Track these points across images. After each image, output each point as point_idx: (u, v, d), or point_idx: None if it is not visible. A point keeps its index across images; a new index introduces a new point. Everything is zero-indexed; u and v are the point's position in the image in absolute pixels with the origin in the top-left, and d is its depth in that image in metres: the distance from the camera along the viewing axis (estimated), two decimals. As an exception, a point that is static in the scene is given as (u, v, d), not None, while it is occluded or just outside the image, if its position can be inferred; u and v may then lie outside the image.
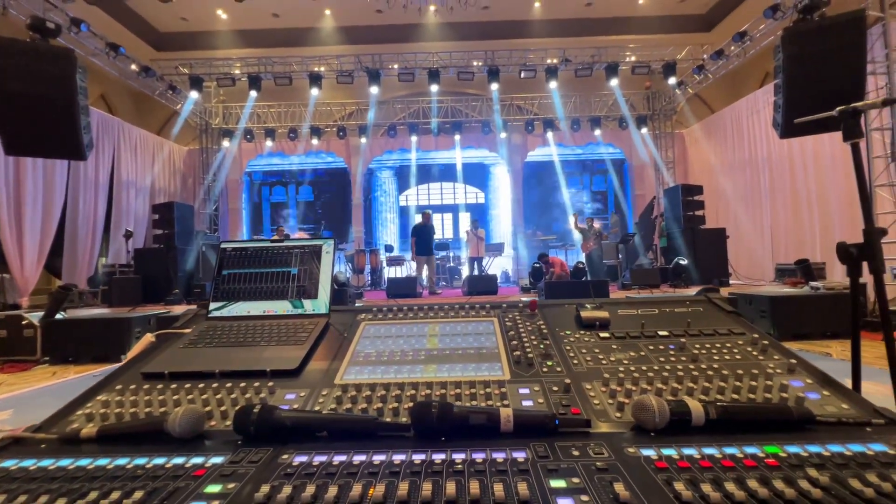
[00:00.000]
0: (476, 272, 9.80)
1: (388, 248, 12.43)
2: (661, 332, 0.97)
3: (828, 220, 8.81)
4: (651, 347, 0.92)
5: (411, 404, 0.72)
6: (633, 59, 11.09)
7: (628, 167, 14.03)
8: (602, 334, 0.98)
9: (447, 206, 15.34)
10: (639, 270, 8.11)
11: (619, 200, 14.25)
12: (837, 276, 8.53)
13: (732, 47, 9.87)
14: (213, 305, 1.12)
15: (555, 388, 0.78)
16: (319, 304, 1.12)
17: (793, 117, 6.59)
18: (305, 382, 0.84)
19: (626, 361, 0.86)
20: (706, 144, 12.37)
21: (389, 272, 11.82)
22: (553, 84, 10.90)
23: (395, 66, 11.06)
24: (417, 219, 9.44)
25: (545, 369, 0.85)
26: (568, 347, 0.93)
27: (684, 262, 7.95)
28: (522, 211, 13.53)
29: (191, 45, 13.23)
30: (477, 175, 15.25)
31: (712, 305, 1.09)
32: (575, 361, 0.88)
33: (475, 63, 11.11)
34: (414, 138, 13.24)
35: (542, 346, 0.93)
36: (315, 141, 13.10)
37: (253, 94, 11.07)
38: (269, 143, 13.16)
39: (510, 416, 0.65)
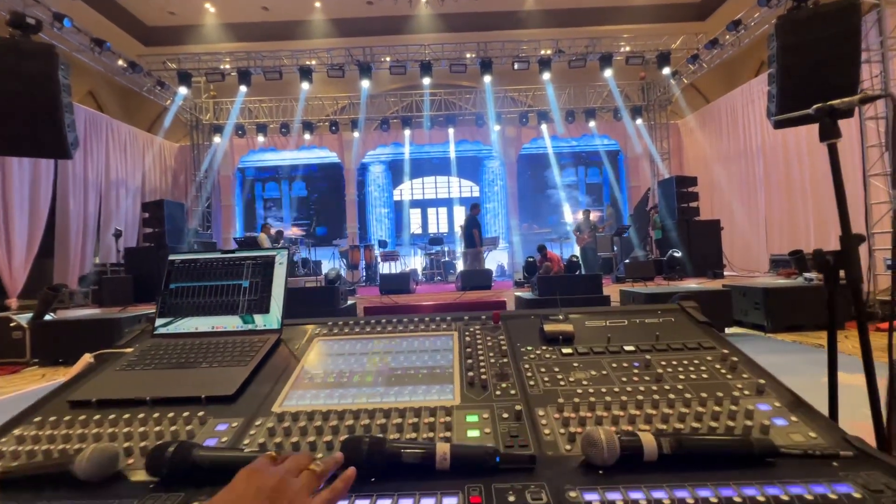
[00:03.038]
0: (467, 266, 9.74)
1: (382, 244, 12.36)
2: (626, 347, 0.92)
3: (822, 210, 8.78)
4: (614, 365, 0.87)
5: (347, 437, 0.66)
6: (627, 49, 10.97)
7: (623, 159, 13.95)
8: (565, 350, 0.93)
9: (441, 200, 15.26)
10: (633, 263, 8.07)
11: (614, 192, 14.19)
12: (832, 266, 8.53)
13: (727, 36, 9.77)
14: (159, 322, 1.06)
15: (505, 416, 0.73)
16: (271, 318, 1.06)
17: (787, 107, 6.53)
18: (241, 410, 0.79)
19: (585, 382, 0.81)
20: (701, 135, 12.30)
21: (383, 268, 11.76)
22: (546, 75, 10.79)
23: (387, 60, 10.91)
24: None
25: (498, 392, 0.80)
26: (527, 366, 0.88)
27: (679, 254, 7.91)
28: (517, 204, 13.45)
29: (179, 39, 13.04)
30: (471, 168, 15.15)
31: (685, 315, 1.04)
32: (532, 382, 0.82)
33: (468, 55, 10.97)
34: (407, 132, 13.12)
35: (499, 365, 0.87)
36: (307, 136, 12.96)
37: (243, 88, 10.92)
38: (260, 138, 13.02)
39: (447, 454, 0.59)
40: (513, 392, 0.79)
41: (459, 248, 11.49)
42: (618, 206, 13.96)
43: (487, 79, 10.94)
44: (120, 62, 9.93)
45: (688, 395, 0.74)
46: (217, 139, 12.97)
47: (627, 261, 9.37)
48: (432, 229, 15.09)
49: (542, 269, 8.45)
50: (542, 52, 10.92)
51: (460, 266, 10.86)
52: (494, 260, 12.78)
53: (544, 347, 0.94)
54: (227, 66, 11.12)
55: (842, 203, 1.06)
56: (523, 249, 12.28)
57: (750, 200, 10.56)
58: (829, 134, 1.03)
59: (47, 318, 6.65)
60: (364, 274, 11.56)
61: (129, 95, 12.63)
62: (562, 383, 0.81)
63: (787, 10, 6.93)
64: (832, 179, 1.07)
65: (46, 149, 6.88)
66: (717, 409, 0.70)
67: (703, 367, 0.84)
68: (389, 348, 0.97)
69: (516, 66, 10.81)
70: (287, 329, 1.08)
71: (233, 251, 1.12)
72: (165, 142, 13.08)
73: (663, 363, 0.85)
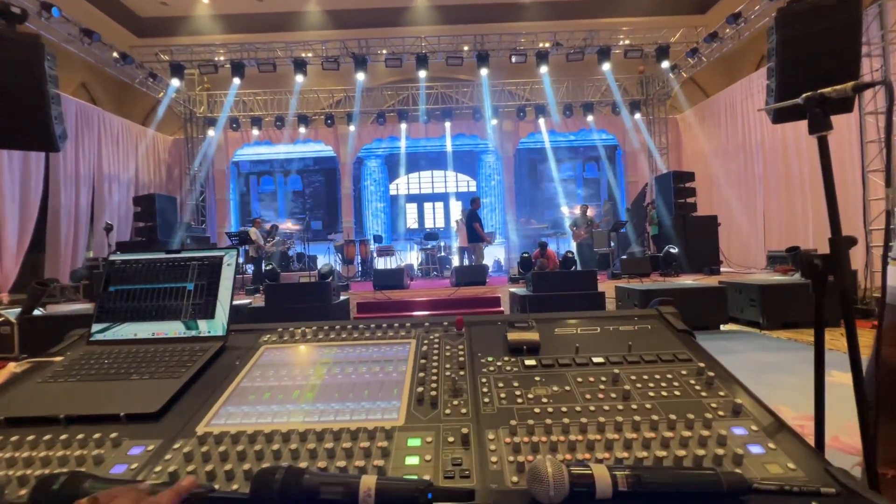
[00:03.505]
0: (466, 262, 9.67)
1: (378, 239, 12.27)
2: (595, 359, 0.84)
3: (821, 206, 8.68)
4: (579, 379, 0.79)
5: (275, 464, 0.59)
6: (625, 42, 10.83)
7: (621, 154, 13.84)
8: (528, 361, 0.85)
9: (438, 194, 15.15)
10: (629, 259, 8.00)
11: (611, 188, 14.09)
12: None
13: (727, 30, 9.63)
14: (95, 327, 0.98)
15: (451, 439, 0.65)
16: (216, 324, 0.98)
17: (786, 101, 6.44)
18: (164, 430, 0.71)
19: (545, 399, 0.73)
20: (700, 130, 12.18)
21: (379, 263, 11.68)
22: (544, 69, 10.65)
23: (383, 52, 10.77)
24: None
25: (448, 411, 0.72)
26: (484, 379, 0.80)
27: (675, 250, 7.84)
28: (514, 199, 13.35)
29: (172, 30, 12.85)
30: (467, 163, 15.03)
31: (663, 322, 0.96)
32: (486, 399, 0.74)
33: (464, 48, 10.83)
34: (403, 126, 12.98)
35: (454, 378, 0.79)
36: (302, 129, 12.83)
37: (236, 81, 10.78)
38: (255, 131, 12.89)
39: (371, 490, 0.51)
40: (464, 411, 0.72)
41: (455, 244, 11.41)
42: (615, 202, 13.87)
43: (484, 72, 10.81)
44: (113, 54, 9.78)
45: (655, 417, 0.66)
46: (211, 132, 12.83)
47: (624, 257, 9.29)
48: (428, 224, 15.00)
49: (538, 264, 8.38)
50: (540, 45, 10.78)
51: (456, 261, 10.79)
52: (491, 255, 12.70)
53: (506, 358, 0.86)
54: (221, 58, 10.96)
55: (832, 201, 0.99)
56: (520, 245, 12.20)
57: (748, 196, 10.47)
58: (819, 126, 0.95)
59: (36, 312, 6.57)
60: (359, 269, 11.48)
61: (122, 88, 12.47)
62: (519, 400, 0.74)
63: (787, 3, 6.81)
64: (822, 175, 0.98)
65: (33, 141, 6.76)
66: (686, 433, 0.63)
67: (675, 383, 0.76)
68: (340, 358, 0.89)
69: (513, 60, 10.68)
70: (235, 336, 1.00)
71: (177, 251, 1.04)
72: (159, 135, 12.95)
73: (633, 378, 0.78)
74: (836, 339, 5.50)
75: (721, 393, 0.73)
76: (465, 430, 0.64)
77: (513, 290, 6.83)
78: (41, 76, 6.36)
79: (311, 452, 0.63)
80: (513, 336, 0.89)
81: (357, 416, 0.71)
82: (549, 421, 0.66)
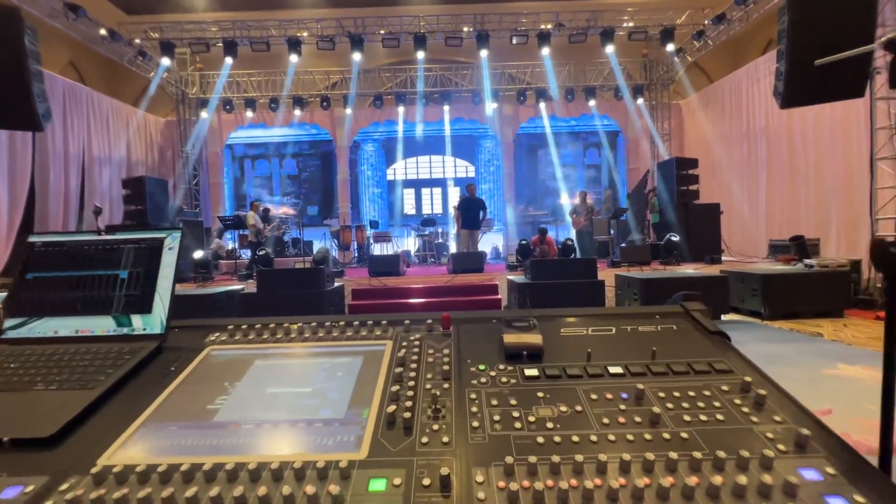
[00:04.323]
0: (463, 249, 9.50)
1: (374, 224, 12.07)
2: (612, 369, 0.68)
3: (824, 195, 8.53)
4: (594, 396, 0.62)
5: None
6: (630, 24, 10.51)
7: (622, 140, 13.58)
8: (529, 370, 0.68)
9: (436, 179, 14.90)
10: (629, 247, 7.84)
11: (612, 174, 13.86)
12: (831, 252, 8.33)
13: (735, 11, 9.33)
14: (8, 323, 0.82)
15: (426, 482, 0.49)
16: (153, 321, 0.82)
17: (795, 85, 6.21)
18: (55, 462, 0.55)
19: (551, 423, 0.57)
20: (703, 116, 11.93)
21: (375, 249, 11.51)
22: (546, 51, 10.35)
23: (381, 32, 10.42)
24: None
25: (426, 439, 0.56)
26: (474, 395, 0.64)
27: (676, 238, 7.68)
28: (514, 185, 13.13)
29: (162, 7, 12.42)
30: (466, 148, 14.75)
31: (691, 322, 0.80)
32: (476, 423, 0.58)
33: (464, 28, 10.49)
34: (401, 109, 12.68)
35: (435, 394, 0.63)
36: (298, 112, 12.52)
37: (228, 60, 10.45)
38: (249, 113, 12.56)
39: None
40: (445, 440, 0.55)
41: (452, 230, 11.21)
42: (615, 189, 13.66)
43: (484, 53, 10.50)
44: (100, 31, 9.43)
45: (697, 455, 0.50)
46: (204, 114, 12.51)
47: (623, 245, 9.14)
48: (426, 210, 14.77)
49: (538, 251, 8.22)
50: (542, 26, 10.45)
51: (454, 248, 10.62)
52: (489, 242, 12.53)
53: (502, 367, 0.70)
54: (213, 37, 10.61)
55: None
56: (518, 232, 12.02)
57: (750, 184, 10.29)
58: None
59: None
60: (356, 255, 11.31)
61: (112, 67, 12.10)
62: (517, 425, 0.57)
63: (799, -18, 6.54)
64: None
65: (15, 120, 6.51)
66: (741, 479, 0.46)
67: (716, 403, 0.60)
68: (296, 366, 0.73)
69: (514, 41, 10.36)
70: (177, 334, 0.83)
71: (111, 231, 0.86)
72: (150, 116, 12.61)
73: (661, 395, 0.61)
74: (839, 330, 5.39)
75: (776, 417, 0.57)
76: (445, 471, 0.48)
77: (510, 277, 6.69)
78: (21, 51, 6.08)
79: (238, 502, 0.47)
80: (510, 339, 0.73)
81: (307, 447, 0.55)
82: (556, 458, 0.50)
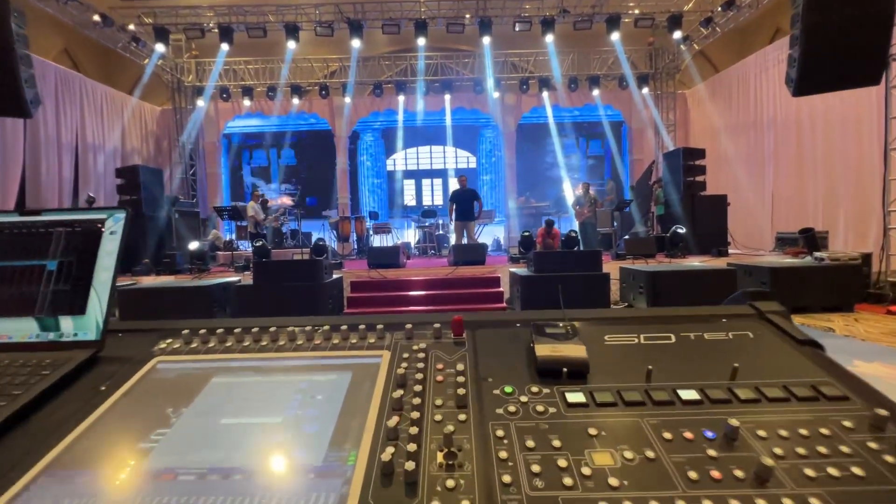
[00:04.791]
0: (464, 241, 9.32)
1: (373, 216, 11.87)
2: (684, 393, 0.51)
3: (833, 186, 8.35)
4: (668, 436, 0.45)
5: None
6: (636, 11, 10.23)
7: (626, 130, 13.34)
8: (572, 395, 0.51)
9: (436, 170, 14.66)
10: (634, 240, 7.67)
11: (616, 165, 13.64)
12: (839, 244, 8.17)
13: (744, -4, 9.07)
14: None
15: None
16: (87, 323, 0.65)
17: (809, 72, 5.99)
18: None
19: (615, 479, 0.40)
20: (710, 106, 11.69)
21: (375, 240, 11.32)
22: (549, 38, 10.07)
23: (382, 19, 10.13)
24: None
25: (437, 502, 0.39)
26: (501, 432, 0.47)
27: (682, 230, 7.50)
28: (515, 176, 12.91)
29: (157, -8, 12.13)
30: (467, 138, 14.50)
31: (769, 326, 0.63)
32: (507, 478, 0.41)
33: (466, 15, 10.21)
34: (401, 98, 12.42)
35: (450, 430, 0.46)
36: (296, 101, 12.26)
37: (224, 47, 10.17)
38: (246, 102, 12.31)
39: None
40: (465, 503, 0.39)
41: (452, 223, 11.00)
42: (619, 180, 13.44)
43: (486, 40, 10.23)
44: (93, 17, 9.16)
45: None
46: (200, 102, 12.25)
47: (627, 237, 8.97)
48: (426, 201, 14.56)
49: (543, 244, 8.04)
50: (546, 12, 10.17)
51: (454, 240, 10.43)
52: (490, 233, 12.34)
53: (535, 389, 0.53)
54: (209, 23, 10.32)
55: None
56: (520, 223, 11.83)
57: (757, 175, 10.10)
58: None
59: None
60: (355, 246, 11.13)
61: (108, 55, 11.81)
62: (567, 481, 0.40)
63: (815, -36, 6.29)
64: None
65: (2, 107, 6.30)
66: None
67: (844, 448, 0.42)
68: (263, 384, 0.56)
69: (517, 27, 10.09)
70: (118, 340, 0.66)
71: (36, 212, 0.69)
72: (146, 104, 12.36)
73: (762, 434, 0.44)
74: (850, 325, 5.23)
75: (936, 472, 0.40)
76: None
77: (513, 269, 6.52)
78: (7, 35, 5.85)
79: None
80: (544, 351, 0.55)
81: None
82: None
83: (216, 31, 10.08)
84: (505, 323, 0.66)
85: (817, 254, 6.29)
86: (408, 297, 6.16)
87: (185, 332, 0.67)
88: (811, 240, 6.70)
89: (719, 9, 9.62)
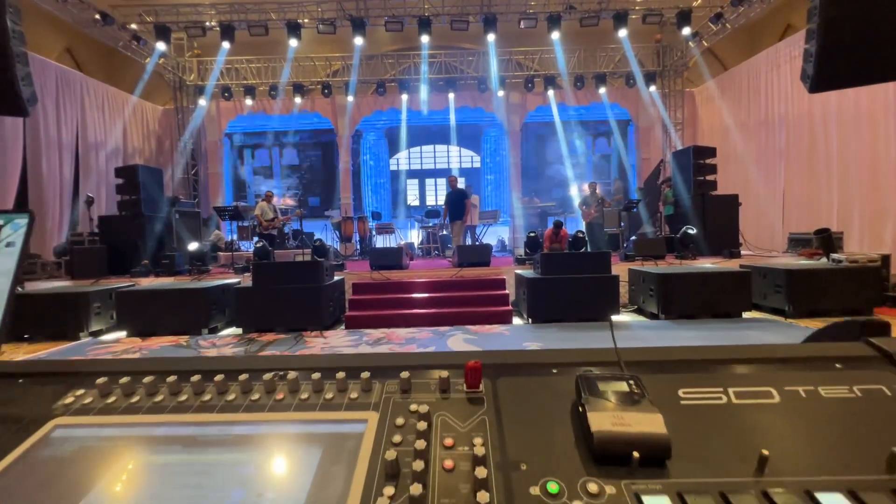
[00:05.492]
0: (469, 241, 9.15)
1: (376, 216, 11.71)
2: (826, 499, 0.33)
3: (848, 186, 8.11)
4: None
5: None
6: (644, 7, 10.01)
7: (634, 129, 13.11)
8: (651, 497, 0.34)
9: (440, 170, 14.48)
10: (643, 240, 7.46)
11: (623, 164, 13.41)
12: (854, 246, 7.93)
13: (756, -9, 8.84)
14: None
15: None
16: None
17: (828, 67, 5.80)
18: None
19: None
20: (719, 103, 11.45)
21: (378, 241, 11.16)
22: (555, 35, 9.88)
23: (385, 17, 9.96)
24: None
25: None
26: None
27: (693, 231, 7.29)
28: (520, 175, 12.71)
29: (158, -10, 12.03)
30: (472, 137, 14.32)
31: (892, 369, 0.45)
32: None
33: (470, 12, 10.03)
34: (405, 97, 12.25)
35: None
36: (298, 100, 12.12)
37: (226, 45, 10.05)
38: (248, 101, 12.18)
39: None
40: None
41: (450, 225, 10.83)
42: (626, 180, 13.22)
43: (491, 37, 10.04)
44: (94, 15, 9.05)
45: None
46: (202, 101, 12.14)
47: (635, 237, 8.76)
48: (430, 201, 14.38)
49: (550, 247, 7.84)
50: (552, 9, 9.98)
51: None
52: (495, 234, 12.15)
53: (594, 488, 0.35)
54: (210, 22, 10.19)
55: None
56: (525, 223, 11.63)
57: (768, 174, 9.87)
58: None
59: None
60: (358, 247, 10.98)
61: (110, 54, 11.71)
62: None
63: (833, -45, 6.10)
64: None
65: (-2, 104, 6.18)
66: None
67: None
68: (193, 468, 0.39)
69: (522, 24, 9.90)
70: (8, 387, 0.49)
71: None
72: (147, 104, 12.26)
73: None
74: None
75: None
76: None
77: (518, 271, 6.34)
78: (3, 31, 5.73)
79: None
80: (603, 423, 0.37)
81: None
82: None
83: (218, 29, 9.95)
84: (537, 368, 0.48)
85: (835, 256, 6.07)
86: (411, 299, 5.99)
87: (103, 381, 0.49)
88: (827, 241, 6.47)
89: (729, 4, 9.39)
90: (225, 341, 5.00)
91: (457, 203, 8.62)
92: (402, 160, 14.45)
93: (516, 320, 5.69)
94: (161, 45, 10.08)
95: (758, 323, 5.22)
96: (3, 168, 8.38)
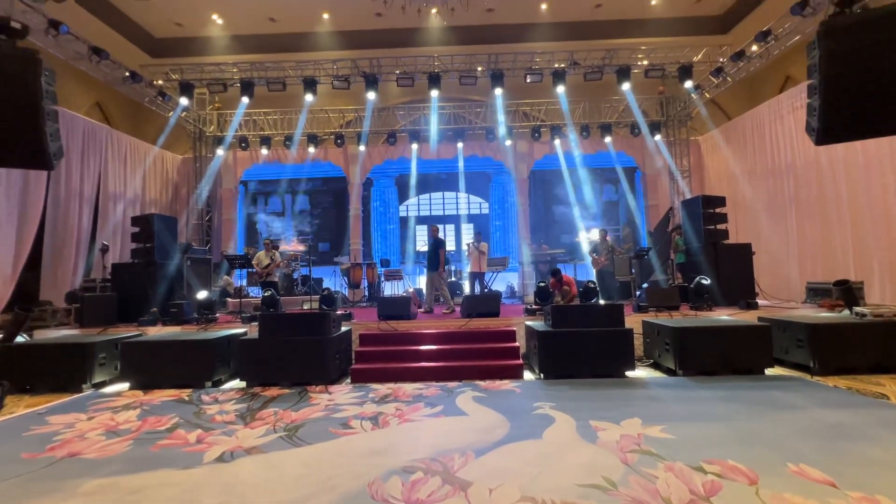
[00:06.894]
0: (477, 290, 9.06)
1: (385, 263, 11.76)
2: None
3: (862, 234, 8.00)
4: None
5: None
6: (645, 62, 10.39)
7: (640, 176, 13.27)
8: None
9: (449, 216, 14.67)
10: (656, 290, 7.33)
11: (630, 211, 13.47)
12: (875, 296, 7.70)
13: (754, 47, 9.15)
14: None
15: None
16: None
17: (831, 120, 5.85)
18: None
19: None
20: (725, 152, 11.60)
21: (386, 287, 11.13)
22: (561, 88, 10.23)
23: (395, 72, 10.44)
24: (427, 230, 9.02)
25: None
26: None
27: (707, 281, 7.16)
28: (528, 222, 12.80)
29: (186, 51, 12.84)
30: (480, 184, 14.58)
31: None
32: None
33: (478, 68, 10.49)
34: (414, 146, 12.63)
35: None
36: (312, 149, 12.54)
37: (245, 100, 10.54)
38: (264, 151, 12.64)
39: None
40: None
41: (467, 269, 10.81)
42: (635, 226, 13.23)
43: (498, 91, 10.43)
44: (124, 73, 9.62)
45: None
46: (220, 151, 12.61)
47: (647, 285, 8.63)
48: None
49: (562, 296, 7.75)
50: (556, 64, 10.39)
51: (467, 288, 10.19)
52: (504, 280, 12.08)
53: None
54: (232, 78, 10.76)
55: None
56: (536, 271, 11.58)
57: (778, 222, 9.80)
58: None
59: (20, 339, 6.14)
60: (366, 293, 10.95)
61: (136, 108, 12.39)
62: None
63: (829, 17, 6.31)
64: None
65: (26, 159, 6.47)
66: None
67: None
68: None
69: (528, 79, 10.29)
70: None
71: None
72: (168, 153, 12.77)
73: None
74: (904, 388, 4.75)
75: None
76: None
77: (529, 323, 6.23)
78: (36, 91, 6.08)
79: None
80: None
81: None
82: None
83: (238, 85, 10.48)
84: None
85: (858, 309, 5.87)
86: (418, 351, 5.87)
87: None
88: (848, 293, 6.29)
89: (729, 59, 9.71)
90: (228, 396, 4.89)
91: (432, 253, 8.32)
92: (412, 206, 14.69)
93: (527, 374, 5.52)
94: (184, 100, 10.60)
95: (783, 382, 4.96)
96: (23, 216, 8.64)
